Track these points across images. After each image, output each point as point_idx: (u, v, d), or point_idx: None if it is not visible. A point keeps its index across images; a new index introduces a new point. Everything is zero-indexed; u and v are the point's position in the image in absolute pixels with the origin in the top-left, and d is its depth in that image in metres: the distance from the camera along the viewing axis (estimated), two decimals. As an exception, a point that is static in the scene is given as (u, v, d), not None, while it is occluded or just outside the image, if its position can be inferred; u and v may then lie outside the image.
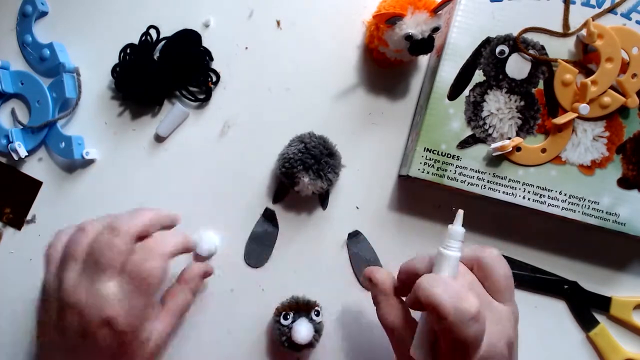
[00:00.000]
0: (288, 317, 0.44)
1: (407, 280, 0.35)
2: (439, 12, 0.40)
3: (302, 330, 0.42)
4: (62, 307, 0.34)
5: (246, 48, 0.49)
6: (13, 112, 0.49)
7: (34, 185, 0.49)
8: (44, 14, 0.50)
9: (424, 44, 0.40)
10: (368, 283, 0.38)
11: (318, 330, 0.44)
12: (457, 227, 0.31)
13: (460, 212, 0.32)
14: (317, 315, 0.44)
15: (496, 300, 0.33)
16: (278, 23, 0.49)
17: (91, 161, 0.49)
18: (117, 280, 0.34)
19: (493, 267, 0.33)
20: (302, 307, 0.44)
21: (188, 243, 0.40)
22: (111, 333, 0.34)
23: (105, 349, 0.34)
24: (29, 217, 0.49)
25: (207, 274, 0.45)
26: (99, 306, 0.33)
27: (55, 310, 0.35)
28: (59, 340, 0.35)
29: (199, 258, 0.48)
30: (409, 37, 0.40)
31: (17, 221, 0.49)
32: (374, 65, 0.48)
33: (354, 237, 0.48)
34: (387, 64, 0.47)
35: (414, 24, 0.40)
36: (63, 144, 0.47)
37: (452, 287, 0.30)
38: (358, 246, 0.48)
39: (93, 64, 0.49)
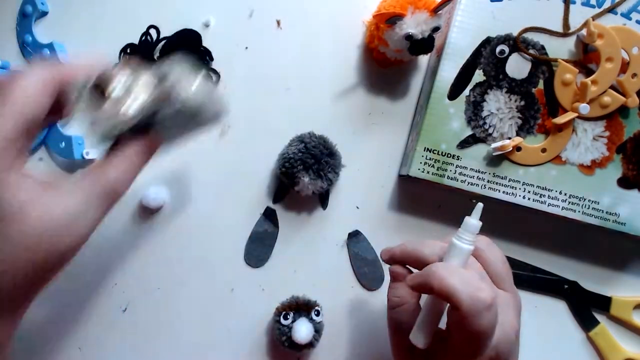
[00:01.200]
0: (288, 317, 0.44)
1: (412, 264, 0.34)
2: (439, 12, 0.40)
3: (302, 330, 0.42)
4: None
5: (246, 48, 0.49)
6: (13, 112, 0.49)
7: (34, 185, 0.49)
8: (44, 14, 0.49)
9: (424, 44, 0.40)
10: (388, 260, 0.37)
11: (318, 330, 0.44)
12: (473, 220, 0.31)
13: (480, 205, 0.31)
14: (317, 315, 0.44)
15: (500, 289, 0.33)
16: (278, 23, 0.49)
17: (91, 161, 0.49)
18: None
19: (489, 255, 0.33)
20: (302, 307, 0.44)
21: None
22: None
23: None
24: (29, 217, 0.49)
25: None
26: None
27: None
28: None
29: (147, 210, 0.48)
30: (409, 37, 0.40)
31: (17, 221, 0.49)
32: (374, 65, 0.48)
33: (354, 237, 0.48)
34: (387, 64, 0.47)
35: (414, 24, 0.40)
36: (63, 144, 0.47)
37: (467, 276, 0.29)
38: (358, 246, 0.48)
39: (93, 64, 0.49)
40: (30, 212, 0.27)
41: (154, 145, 0.33)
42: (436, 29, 0.40)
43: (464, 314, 0.28)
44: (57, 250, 0.28)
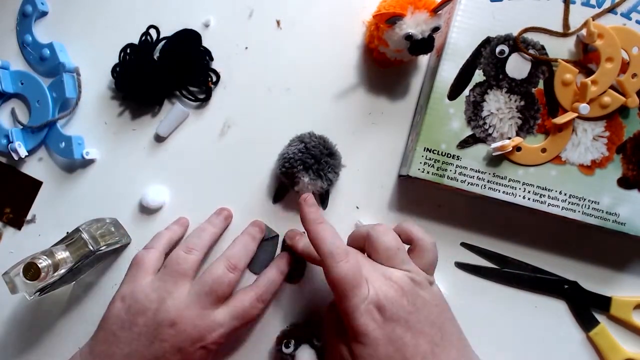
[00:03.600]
0: (290, 345, 0.43)
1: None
2: (439, 12, 0.40)
3: (305, 358, 0.42)
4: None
5: (246, 48, 0.49)
6: (13, 112, 0.49)
7: (34, 185, 0.49)
8: (44, 14, 0.50)
9: (424, 44, 0.40)
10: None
11: (321, 354, 0.43)
12: None
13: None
14: (319, 340, 0.44)
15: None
16: (278, 23, 0.49)
17: (91, 161, 0.49)
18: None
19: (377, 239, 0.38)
20: (302, 333, 0.44)
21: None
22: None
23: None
24: (29, 217, 0.49)
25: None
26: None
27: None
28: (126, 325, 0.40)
29: (147, 210, 0.48)
30: (409, 37, 0.40)
31: (17, 221, 0.49)
32: (374, 65, 0.48)
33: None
34: (387, 64, 0.47)
35: (414, 24, 0.40)
36: (63, 143, 0.47)
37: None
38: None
39: (93, 64, 0.49)
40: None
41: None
42: (436, 29, 0.40)
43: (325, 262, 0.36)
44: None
